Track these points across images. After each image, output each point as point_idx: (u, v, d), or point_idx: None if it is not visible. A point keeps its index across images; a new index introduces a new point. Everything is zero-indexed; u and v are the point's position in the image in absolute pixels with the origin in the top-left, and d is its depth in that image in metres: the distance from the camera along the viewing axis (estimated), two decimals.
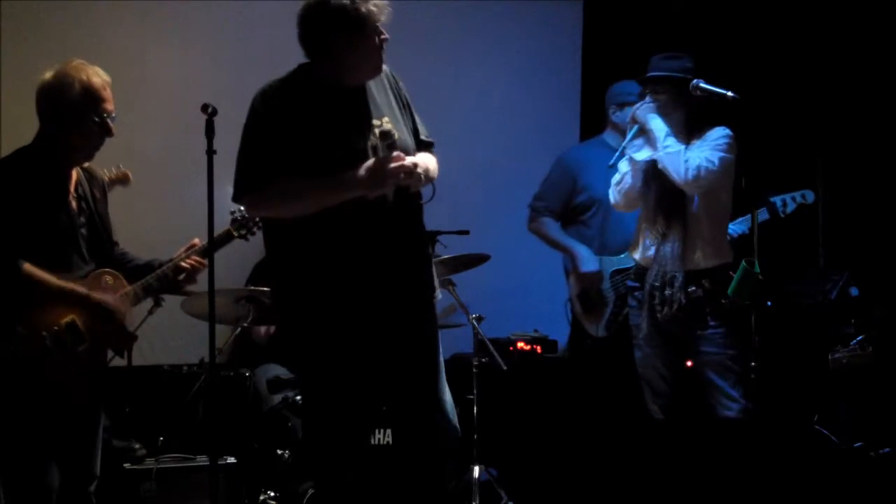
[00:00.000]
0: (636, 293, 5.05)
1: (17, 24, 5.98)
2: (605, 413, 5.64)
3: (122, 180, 5.31)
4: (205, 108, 3.88)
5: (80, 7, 6.22)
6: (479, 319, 5.91)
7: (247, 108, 6.11)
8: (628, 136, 4.99)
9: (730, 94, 4.62)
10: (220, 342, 5.15)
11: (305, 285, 3.85)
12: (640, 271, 5.03)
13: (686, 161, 4.78)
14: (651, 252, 4.96)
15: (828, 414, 5.53)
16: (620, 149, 5.03)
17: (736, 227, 5.34)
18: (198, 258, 4.23)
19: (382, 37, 3.82)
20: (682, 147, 4.83)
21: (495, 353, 5.85)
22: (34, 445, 3.88)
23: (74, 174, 4.11)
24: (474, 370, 5.88)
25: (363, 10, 3.75)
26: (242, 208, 4.21)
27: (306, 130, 3.77)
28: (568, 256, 5.78)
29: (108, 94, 4.05)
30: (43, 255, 3.92)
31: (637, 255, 5.07)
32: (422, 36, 6.59)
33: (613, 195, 5.12)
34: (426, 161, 3.90)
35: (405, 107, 4.03)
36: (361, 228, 3.79)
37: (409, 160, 3.75)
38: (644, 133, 4.94)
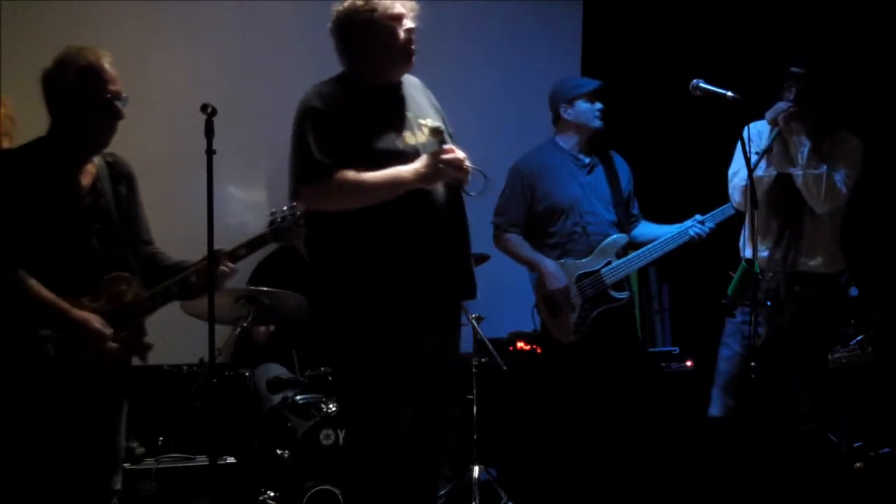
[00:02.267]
0: None
1: (18, 24, 5.96)
2: (590, 413, 5.62)
3: None
4: (204, 108, 3.87)
5: (79, 7, 6.21)
6: (478, 319, 5.92)
7: (246, 109, 6.12)
8: (769, 139, 4.96)
9: (729, 94, 4.62)
10: (220, 342, 5.15)
11: (353, 281, 3.93)
12: None
13: (828, 185, 4.83)
14: (765, 255, 4.97)
15: (828, 414, 5.52)
16: (762, 150, 4.96)
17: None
18: (229, 263, 3.99)
19: (406, 30, 4.02)
20: (825, 169, 4.86)
21: (495, 353, 5.86)
22: (39, 462, 3.73)
23: (91, 168, 3.92)
24: (474, 370, 5.88)
25: (378, 9, 3.97)
26: (285, 209, 4.10)
27: (361, 128, 3.92)
28: (535, 271, 5.67)
29: (111, 74, 3.84)
30: (44, 252, 3.75)
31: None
32: (419, 36, 6.57)
33: (737, 196, 5.10)
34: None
35: (439, 111, 4.19)
36: (414, 224, 3.92)
37: (460, 154, 3.92)
38: (784, 139, 4.91)
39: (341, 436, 5.05)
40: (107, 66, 3.84)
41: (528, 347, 6.55)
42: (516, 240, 5.68)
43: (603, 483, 5.60)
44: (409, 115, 4.06)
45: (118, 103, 3.84)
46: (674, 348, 6.75)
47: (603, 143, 5.79)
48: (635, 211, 5.83)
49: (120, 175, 4.01)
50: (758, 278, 4.51)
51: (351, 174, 3.85)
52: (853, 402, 5.47)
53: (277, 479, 5.11)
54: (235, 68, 6.50)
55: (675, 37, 6.98)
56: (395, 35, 4.01)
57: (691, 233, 5.49)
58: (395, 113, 4.03)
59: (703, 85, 4.70)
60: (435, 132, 3.95)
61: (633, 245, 5.64)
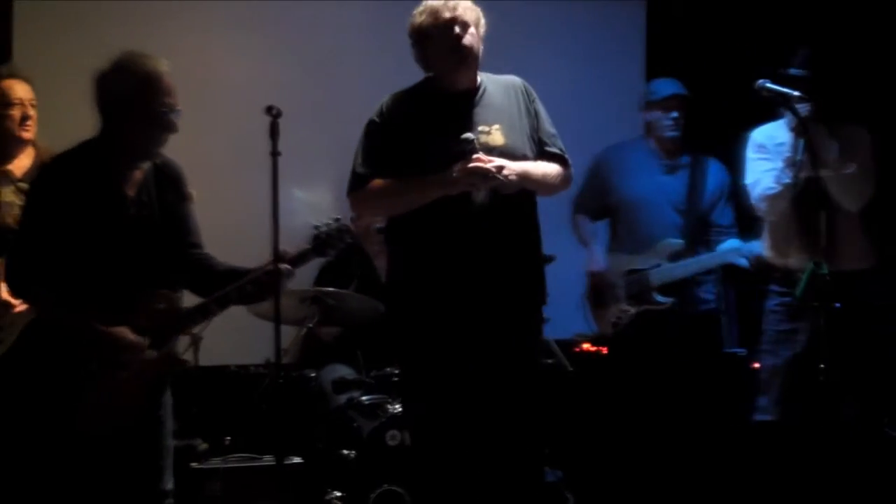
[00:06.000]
0: (784, 299, 5.00)
1: (74, 17, 5.99)
2: (654, 415, 5.61)
3: None
4: (269, 109, 3.89)
5: (143, 6, 6.27)
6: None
7: (312, 110, 6.17)
8: (797, 148, 4.90)
9: (796, 94, 4.58)
10: (287, 343, 5.18)
11: (403, 284, 4.13)
12: (788, 277, 4.98)
13: (860, 183, 4.84)
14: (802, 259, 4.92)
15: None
16: (798, 163, 4.90)
17: None
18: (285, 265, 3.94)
19: (452, 38, 4.03)
20: (854, 167, 4.83)
21: (560, 355, 5.84)
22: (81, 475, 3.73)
23: (138, 175, 3.85)
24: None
25: (421, 20, 4.08)
26: (329, 221, 4.10)
27: (410, 135, 4.03)
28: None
29: (169, 85, 3.80)
30: (86, 266, 3.72)
31: (786, 261, 5.03)
32: (487, 38, 6.57)
33: (766, 207, 5.05)
34: (525, 166, 4.07)
35: (531, 116, 4.22)
36: (448, 230, 4.00)
37: (493, 163, 3.91)
38: (811, 146, 4.85)
39: (407, 436, 5.05)
40: (166, 76, 3.82)
41: (593, 349, 6.53)
42: (581, 222, 5.92)
43: (669, 485, 5.57)
44: (467, 121, 4.06)
45: (172, 116, 3.80)
46: (741, 350, 6.68)
47: (698, 148, 5.81)
48: (724, 221, 5.81)
49: (168, 180, 3.96)
50: (825, 279, 4.46)
51: (381, 182, 4.01)
52: None
53: (343, 479, 5.13)
54: (301, 69, 6.53)
55: (740, 37, 6.92)
56: (442, 45, 4.06)
57: (734, 260, 5.53)
58: (451, 120, 4.06)
59: (769, 85, 4.67)
60: (462, 142, 3.93)
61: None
